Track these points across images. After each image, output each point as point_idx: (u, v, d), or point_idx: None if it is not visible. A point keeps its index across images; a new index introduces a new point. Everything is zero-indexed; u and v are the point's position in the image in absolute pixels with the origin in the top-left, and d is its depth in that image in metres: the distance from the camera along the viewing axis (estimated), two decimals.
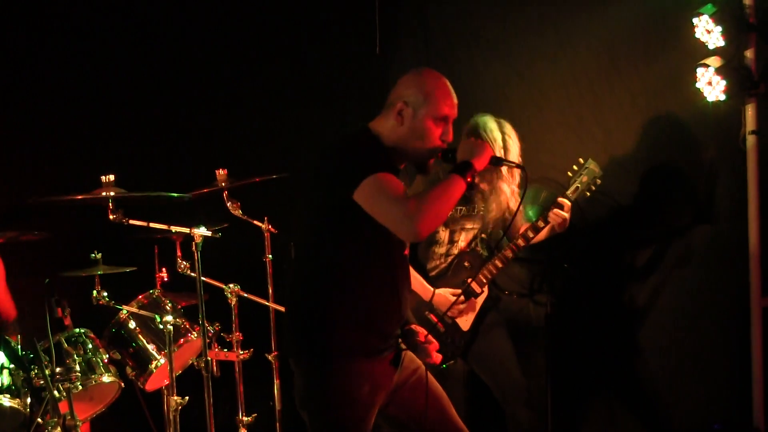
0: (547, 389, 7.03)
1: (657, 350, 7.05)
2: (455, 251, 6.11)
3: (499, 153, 5.86)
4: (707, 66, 6.22)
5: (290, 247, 6.63)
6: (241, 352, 6.03)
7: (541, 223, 5.96)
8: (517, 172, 5.96)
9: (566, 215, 5.94)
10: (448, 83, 4.42)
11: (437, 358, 4.55)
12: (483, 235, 6.14)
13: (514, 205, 6.03)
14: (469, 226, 6.12)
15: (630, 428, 7.18)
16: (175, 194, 5.59)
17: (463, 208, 6.08)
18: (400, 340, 4.51)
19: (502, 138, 5.92)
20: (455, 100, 4.41)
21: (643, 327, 7.04)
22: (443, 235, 6.10)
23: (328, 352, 4.26)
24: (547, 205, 6.07)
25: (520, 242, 5.99)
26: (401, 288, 4.42)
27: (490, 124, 5.95)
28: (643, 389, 7.12)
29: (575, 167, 6.16)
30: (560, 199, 5.97)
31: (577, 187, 6.07)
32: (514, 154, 5.94)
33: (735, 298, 6.64)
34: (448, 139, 4.41)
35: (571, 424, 7.28)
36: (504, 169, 6.00)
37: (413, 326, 4.60)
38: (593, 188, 6.14)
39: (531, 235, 5.99)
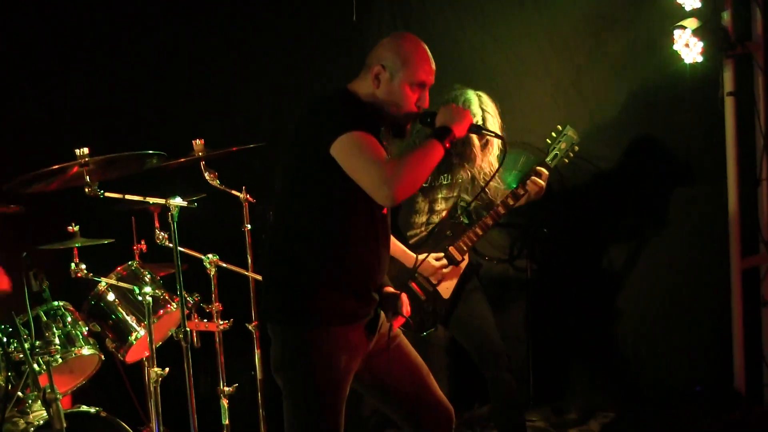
0: (528, 354, 7.07)
1: (637, 314, 7.08)
2: (435, 219, 6.09)
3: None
4: (684, 28, 6.22)
5: (269, 216, 6.63)
6: (221, 323, 6.00)
7: (520, 191, 5.95)
8: (496, 141, 5.94)
9: (543, 183, 5.93)
10: (427, 49, 4.40)
11: (396, 324, 4.56)
12: (463, 204, 6.12)
13: (486, 166, 6.03)
14: (449, 194, 6.10)
15: (611, 392, 7.22)
16: (150, 152, 5.53)
17: (444, 176, 6.06)
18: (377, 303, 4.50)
19: (482, 114, 5.90)
20: (433, 67, 4.40)
21: (623, 291, 7.07)
22: (423, 204, 6.08)
23: (305, 316, 4.25)
24: (526, 171, 6.06)
25: (500, 209, 5.97)
26: (380, 247, 4.41)
27: (470, 97, 5.93)
28: (623, 353, 7.15)
29: (553, 134, 6.14)
30: (538, 168, 5.96)
31: (556, 154, 6.06)
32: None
33: (715, 260, 6.67)
34: (423, 105, 4.40)
35: (552, 388, 7.31)
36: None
37: (394, 291, 4.60)
38: (572, 155, 6.13)
39: (511, 202, 5.97)
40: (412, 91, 4.33)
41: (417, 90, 4.35)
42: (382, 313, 4.54)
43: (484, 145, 6.00)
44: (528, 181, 5.90)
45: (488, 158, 6.03)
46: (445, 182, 6.07)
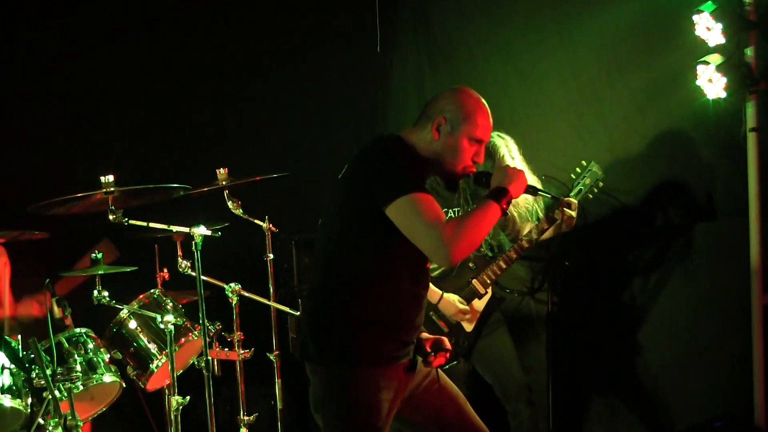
0: (548, 387, 7.04)
1: (658, 348, 7.04)
2: None
3: None
4: (707, 63, 6.20)
5: (291, 246, 6.66)
6: (242, 352, 6.02)
7: (545, 225, 5.97)
8: None
9: (573, 214, 5.94)
10: (488, 107, 4.45)
11: (437, 363, 4.56)
12: (489, 239, 6.13)
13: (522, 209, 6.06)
14: None
15: (631, 426, 7.18)
16: (175, 185, 5.58)
17: (464, 210, 6.06)
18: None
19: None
20: (491, 124, 4.45)
21: (644, 325, 7.03)
22: None
23: (349, 358, 4.26)
24: (548, 204, 6.07)
25: (524, 244, 5.99)
26: (423, 298, 4.44)
27: (496, 142, 5.97)
28: (644, 387, 7.11)
29: (578, 169, 6.17)
30: (568, 199, 5.97)
31: (581, 189, 6.09)
32: None
33: (736, 295, 6.62)
34: (479, 161, 4.44)
35: (573, 422, 7.28)
36: None
37: (423, 334, 4.61)
38: (596, 191, 6.17)
39: (535, 236, 5.99)
40: (470, 145, 4.37)
41: (474, 145, 4.39)
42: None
43: None
44: (557, 211, 5.91)
45: (521, 204, 6.04)
46: None
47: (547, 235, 6.02)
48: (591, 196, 6.17)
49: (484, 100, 4.47)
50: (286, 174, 6.13)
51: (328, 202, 4.42)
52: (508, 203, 4.29)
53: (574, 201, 5.97)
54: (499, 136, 6.00)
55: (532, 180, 5.93)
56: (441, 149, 4.36)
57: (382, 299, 4.27)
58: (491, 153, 5.89)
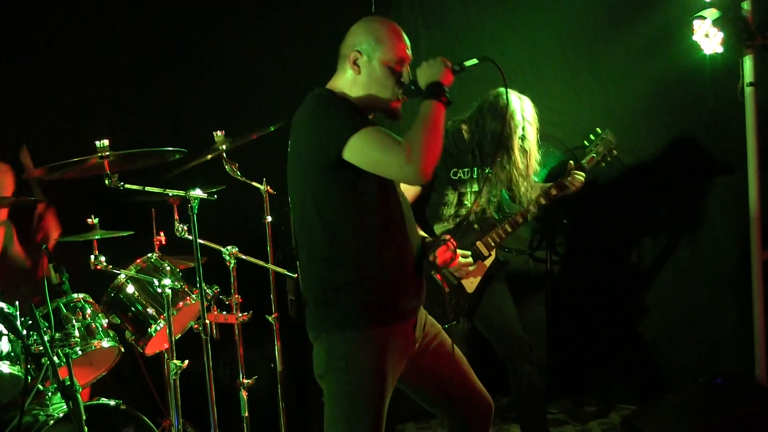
0: (547, 346, 7.06)
1: (657, 305, 7.06)
2: (463, 212, 6.08)
3: (518, 139, 5.89)
4: (704, 18, 6.18)
5: (289, 209, 6.63)
6: (241, 315, 6.01)
7: (554, 191, 5.99)
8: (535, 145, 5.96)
9: (583, 180, 5.98)
10: (398, 26, 4.39)
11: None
12: (493, 198, 6.11)
13: (524, 169, 6.03)
14: (478, 188, 6.08)
15: (631, 383, 7.21)
16: (171, 149, 5.55)
17: (473, 170, 6.04)
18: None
19: (522, 124, 5.93)
20: (408, 42, 4.38)
21: (643, 282, 7.05)
22: (452, 197, 6.07)
23: (349, 322, 4.23)
24: (553, 165, 6.08)
25: (532, 208, 5.99)
26: (407, 229, 4.39)
27: (512, 105, 5.92)
28: (643, 345, 7.13)
29: (592, 136, 6.18)
30: (575, 172, 5.99)
31: (593, 156, 6.10)
32: (532, 140, 5.95)
33: (735, 251, 6.64)
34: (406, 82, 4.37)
35: (572, 380, 7.30)
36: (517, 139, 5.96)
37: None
38: (609, 159, 6.17)
39: (543, 201, 6.00)
40: (393, 69, 4.32)
41: (398, 67, 4.33)
42: (424, 312, 4.55)
43: (524, 149, 5.99)
44: (569, 179, 5.93)
45: (526, 159, 6.01)
46: (475, 176, 6.05)
47: (554, 199, 6.04)
48: (604, 165, 6.19)
49: (393, 22, 4.41)
50: (282, 122, 6.07)
51: (289, 179, 4.40)
52: (447, 94, 4.19)
53: (583, 174, 6.00)
54: (518, 96, 5.96)
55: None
56: (366, 82, 4.32)
57: (367, 253, 4.22)
58: (502, 111, 5.83)
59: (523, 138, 5.97)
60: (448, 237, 4.58)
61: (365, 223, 4.22)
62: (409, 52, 4.38)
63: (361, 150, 4.05)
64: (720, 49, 6.18)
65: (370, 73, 4.31)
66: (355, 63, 4.31)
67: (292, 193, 4.40)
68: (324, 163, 4.12)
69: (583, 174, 6.04)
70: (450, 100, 4.20)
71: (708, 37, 6.18)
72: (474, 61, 4.47)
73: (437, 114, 4.15)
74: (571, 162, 6.07)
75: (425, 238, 4.65)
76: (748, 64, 6.23)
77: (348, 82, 4.35)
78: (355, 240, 4.21)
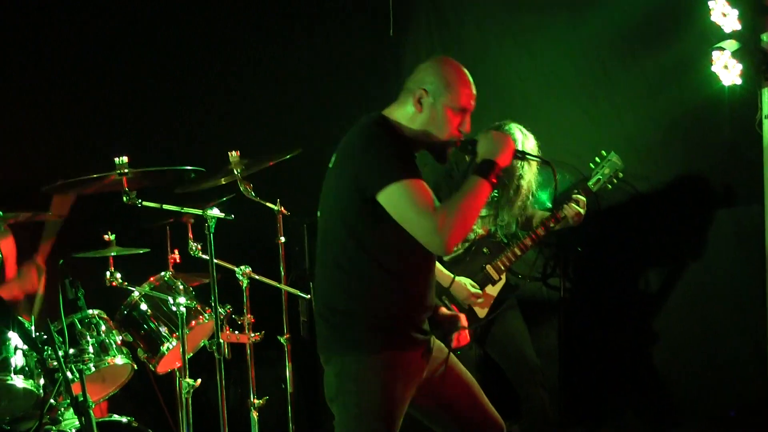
0: (560, 373, 7.04)
1: (670, 333, 7.04)
2: (471, 237, 6.09)
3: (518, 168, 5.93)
4: (723, 49, 6.20)
5: (303, 229, 6.64)
6: (253, 335, 6.01)
7: (551, 223, 6.01)
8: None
9: (580, 210, 5.97)
10: (469, 74, 4.38)
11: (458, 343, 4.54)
12: (501, 222, 6.12)
13: (533, 191, 6.05)
14: (487, 212, 6.09)
15: (643, 414, 7.18)
16: (188, 167, 5.57)
17: None
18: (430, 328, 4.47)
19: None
20: (474, 92, 4.38)
21: (657, 312, 7.03)
22: None
23: (361, 346, 4.23)
24: (561, 190, 6.08)
25: (540, 231, 5.99)
26: (431, 275, 4.41)
27: (512, 131, 5.93)
28: (656, 372, 7.11)
29: (597, 159, 6.18)
30: (575, 196, 5.99)
31: (599, 179, 6.12)
32: (531, 172, 6.00)
33: (751, 283, 6.62)
34: (465, 130, 4.38)
35: (584, 408, 7.28)
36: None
37: (442, 310, 4.59)
38: (615, 181, 6.18)
39: (551, 224, 6.00)
40: (454, 115, 4.31)
41: (459, 115, 4.33)
42: (434, 338, 4.52)
43: (522, 180, 6.01)
44: (565, 206, 5.93)
45: (528, 178, 6.03)
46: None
47: (554, 229, 6.04)
48: (610, 187, 6.21)
49: (464, 68, 4.40)
50: (298, 151, 6.10)
51: (324, 193, 4.40)
52: (498, 176, 4.23)
53: (582, 198, 6.01)
54: (521, 131, 5.97)
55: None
56: (425, 122, 4.31)
57: (387, 282, 4.22)
58: None
59: (521, 175, 6.00)
60: (465, 322, 4.58)
61: (389, 253, 4.21)
62: (473, 102, 4.38)
63: (396, 201, 4.06)
64: (739, 81, 6.20)
65: (432, 114, 4.30)
66: (419, 101, 4.30)
67: (323, 206, 4.39)
68: (359, 195, 4.12)
69: (583, 199, 6.03)
70: (498, 183, 4.22)
71: (727, 68, 6.20)
72: (536, 158, 4.70)
73: (482, 193, 4.18)
74: (575, 193, 6.07)
75: (439, 306, 4.64)
76: (766, 96, 6.25)
77: (407, 116, 4.34)
78: (377, 269, 4.21)
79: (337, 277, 4.28)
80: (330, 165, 4.38)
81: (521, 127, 5.99)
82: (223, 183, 6.02)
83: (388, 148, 4.16)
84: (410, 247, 4.20)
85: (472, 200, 4.14)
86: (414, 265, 4.30)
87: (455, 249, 5.98)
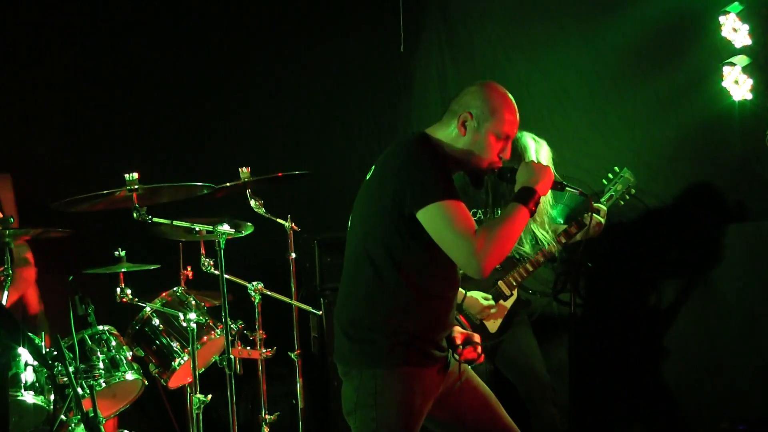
0: (570, 389, 7.02)
1: (680, 349, 7.01)
2: None
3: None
4: (734, 65, 6.19)
5: (314, 245, 6.65)
6: (264, 351, 6.02)
7: (573, 229, 5.99)
8: None
9: (602, 220, 5.95)
10: (514, 102, 4.39)
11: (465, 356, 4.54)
12: None
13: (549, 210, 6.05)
14: None
15: (653, 427, 7.16)
16: (199, 183, 5.58)
17: (494, 210, 6.05)
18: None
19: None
20: (518, 119, 4.39)
21: (667, 327, 7.00)
22: None
23: (381, 361, 4.22)
24: (573, 206, 6.07)
25: (552, 248, 5.99)
26: (454, 298, 4.42)
27: (526, 143, 5.92)
28: (666, 390, 7.09)
29: (610, 175, 6.18)
30: (597, 204, 5.98)
31: (612, 195, 6.11)
32: None
33: (760, 297, 6.60)
34: (505, 157, 4.39)
35: (594, 424, 7.26)
36: None
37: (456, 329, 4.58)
38: (627, 197, 6.18)
39: (563, 240, 5.99)
40: (497, 141, 4.32)
41: (501, 141, 4.34)
42: (450, 353, 4.51)
43: None
44: (585, 216, 5.91)
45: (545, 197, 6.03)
46: (497, 216, 6.05)
47: (575, 239, 6.02)
48: (623, 203, 6.20)
49: (510, 95, 4.40)
50: (307, 172, 6.13)
51: (357, 205, 4.41)
52: (537, 204, 4.24)
53: (603, 207, 6.00)
54: (533, 138, 5.97)
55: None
56: (467, 145, 4.31)
57: (414, 300, 4.21)
58: (519, 153, 5.84)
59: None
60: (478, 339, 4.57)
61: (420, 272, 4.22)
62: (516, 129, 4.39)
63: (436, 221, 4.06)
64: (749, 96, 6.19)
65: (475, 138, 4.30)
66: (463, 124, 4.30)
67: (354, 217, 4.40)
68: (398, 211, 4.13)
69: (603, 208, 6.03)
70: (536, 210, 4.24)
71: (737, 83, 6.19)
72: (575, 190, 4.57)
73: (521, 219, 4.19)
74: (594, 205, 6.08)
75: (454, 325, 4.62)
76: None
77: (449, 137, 4.34)
78: (406, 286, 4.20)
79: (363, 291, 4.28)
80: (367, 177, 4.39)
81: (534, 136, 5.98)
82: (234, 194, 6.02)
83: (432, 167, 4.17)
84: (441, 267, 4.22)
85: (511, 226, 4.14)
86: (442, 286, 4.31)
87: None
